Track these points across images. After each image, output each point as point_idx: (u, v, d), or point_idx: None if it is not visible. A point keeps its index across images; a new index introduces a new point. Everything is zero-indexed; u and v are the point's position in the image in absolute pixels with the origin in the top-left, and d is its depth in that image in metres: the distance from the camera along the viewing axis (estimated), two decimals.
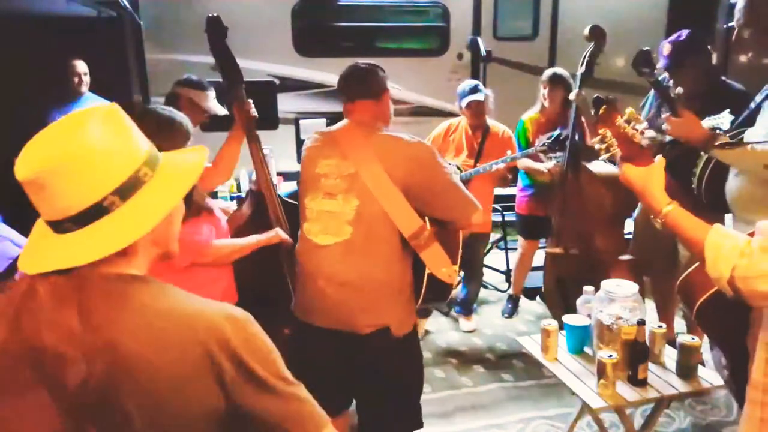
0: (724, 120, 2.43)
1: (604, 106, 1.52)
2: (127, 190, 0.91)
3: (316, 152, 2.12)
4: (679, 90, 2.89)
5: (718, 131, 2.37)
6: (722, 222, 3.33)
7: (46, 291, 0.88)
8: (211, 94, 2.96)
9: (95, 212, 0.89)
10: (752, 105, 2.43)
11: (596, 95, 1.56)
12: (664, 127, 2.50)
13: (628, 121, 1.51)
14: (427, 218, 2.06)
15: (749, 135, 2.29)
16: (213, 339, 0.91)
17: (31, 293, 0.88)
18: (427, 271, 2.06)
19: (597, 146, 1.56)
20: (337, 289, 2.00)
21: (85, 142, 0.88)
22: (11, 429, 0.88)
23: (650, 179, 1.47)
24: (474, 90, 3.69)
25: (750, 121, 2.38)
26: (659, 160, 1.51)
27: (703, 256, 1.33)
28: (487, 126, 3.79)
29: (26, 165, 0.88)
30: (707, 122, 2.47)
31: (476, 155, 3.77)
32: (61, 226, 0.90)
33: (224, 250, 2.09)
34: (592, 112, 1.56)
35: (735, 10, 2.29)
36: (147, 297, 0.92)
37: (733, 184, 2.38)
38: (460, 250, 2.18)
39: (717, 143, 2.28)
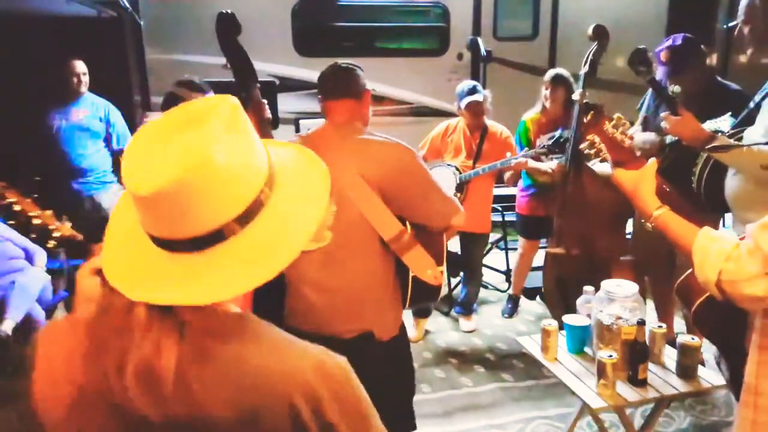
0: (724, 123, 2.43)
1: (591, 112, 1.54)
2: (248, 216, 0.82)
3: None
4: (677, 88, 2.89)
5: (719, 134, 2.37)
6: (721, 222, 3.34)
7: (147, 324, 0.78)
8: (211, 95, 2.94)
9: (214, 238, 0.80)
10: (751, 104, 2.43)
11: (585, 101, 1.57)
12: (663, 125, 2.50)
13: (615, 127, 1.54)
14: (408, 221, 2.03)
15: (749, 134, 2.30)
16: (300, 394, 0.82)
17: (129, 321, 0.79)
18: (411, 274, 2.02)
19: (586, 151, 1.57)
20: (319, 294, 1.99)
21: (215, 157, 0.78)
22: None
23: (641, 182, 1.49)
24: (472, 91, 3.69)
25: (749, 120, 2.38)
26: (651, 163, 1.53)
27: (692, 259, 1.35)
28: (486, 126, 3.80)
29: (147, 181, 0.77)
30: (708, 125, 2.47)
31: (475, 156, 3.78)
32: (171, 245, 0.81)
33: None
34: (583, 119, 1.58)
35: (739, 7, 2.29)
36: (245, 351, 0.83)
37: (731, 183, 2.38)
38: (446, 251, 2.14)
39: (714, 144, 2.28)
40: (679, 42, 2.94)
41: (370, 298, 2.00)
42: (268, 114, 2.43)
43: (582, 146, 1.58)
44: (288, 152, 0.96)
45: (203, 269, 0.80)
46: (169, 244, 0.81)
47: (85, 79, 4.14)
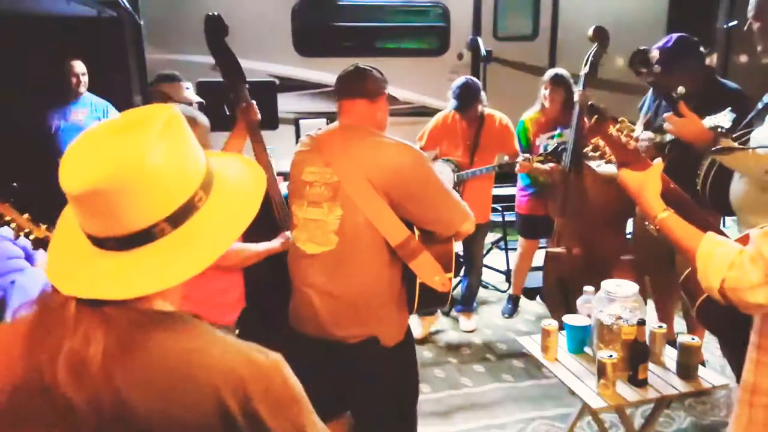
0: (724, 118, 2.42)
1: (595, 116, 1.53)
2: (179, 217, 0.84)
3: (302, 158, 2.07)
4: (681, 89, 2.88)
5: (719, 130, 2.35)
6: (721, 222, 3.33)
7: (77, 319, 0.81)
8: (185, 84, 2.96)
9: (143, 237, 0.83)
10: (760, 105, 2.41)
11: (590, 103, 1.57)
12: (666, 126, 2.49)
13: (620, 130, 1.53)
14: (415, 227, 2.00)
15: (757, 135, 2.28)
16: (229, 389, 0.83)
17: (62, 317, 0.82)
18: (418, 281, 1.99)
19: (590, 154, 1.57)
20: (324, 299, 1.96)
21: (147, 159, 0.80)
22: None
23: (646, 184, 1.48)
24: (459, 96, 3.63)
25: (759, 121, 2.36)
26: (656, 164, 1.52)
27: (695, 265, 1.34)
28: (482, 116, 3.75)
29: (80, 178, 0.80)
30: (707, 121, 2.46)
31: (472, 148, 3.76)
32: (102, 242, 0.84)
33: (243, 254, 2.07)
34: (587, 120, 1.58)
35: (749, 4, 2.28)
36: (170, 341, 0.85)
37: (737, 187, 2.37)
38: (454, 257, 2.11)
39: (719, 146, 2.25)
40: (670, 43, 2.94)
41: (375, 305, 1.97)
42: (258, 115, 2.42)
43: (586, 149, 1.58)
44: (231, 161, 1.00)
45: (129, 266, 0.83)
46: (100, 242, 0.84)
47: (85, 79, 4.14)
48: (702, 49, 3.03)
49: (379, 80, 2.07)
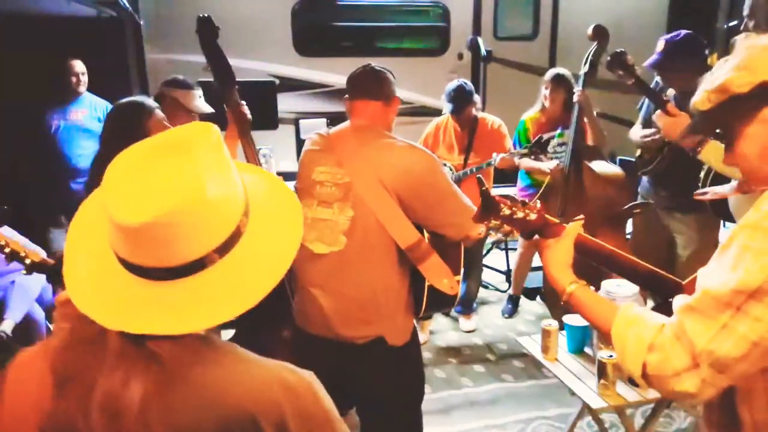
0: None
1: (482, 200, 1.39)
2: (228, 246, 0.82)
3: (312, 157, 2.05)
4: (670, 91, 2.88)
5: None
6: (721, 226, 3.32)
7: (119, 355, 0.77)
8: (197, 93, 2.93)
9: (193, 268, 0.80)
10: None
11: (482, 189, 1.41)
12: (656, 121, 2.46)
13: (512, 208, 1.38)
14: (425, 229, 1.99)
15: None
16: (265, 416, 0.81)
17: (100, 352, 0.78)
18: (427, 283, 1.99)
19: (492, 233, 1.47)
20: (331, 299, 1.96)
21: (207, 190, 0.78)
22: None
23: (553, 254, 1.34)
24: (454, 98, 3.63)
25: None
26: (571, 227, 1.38)
27: (609, 339, 1.18)
28: (476, 120, 3.76)
29: (139, 211, 0.76)
30: None
31: (466, 151, 3.75)
32: (147, 272, 0.80)
33: None
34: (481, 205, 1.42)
35: (744, 3, 2.28)
36: (207, 372, 0.82)
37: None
38: (462, 260, 2.10)
39: (706, 148, 2.19)
40: (679, 37, 2.92)
41: (383, 305, 1.96)
42: (249, 116, 2.43)
43: (494, 236, 1.50)
44: (254, 178, 0.96)
45: (180, 299, 0.80)
46: (145, 271, 0.80)
47: (84, 78, 4.14)
48: (706, 51, 3.02)
49: (392, 83, 2.08)
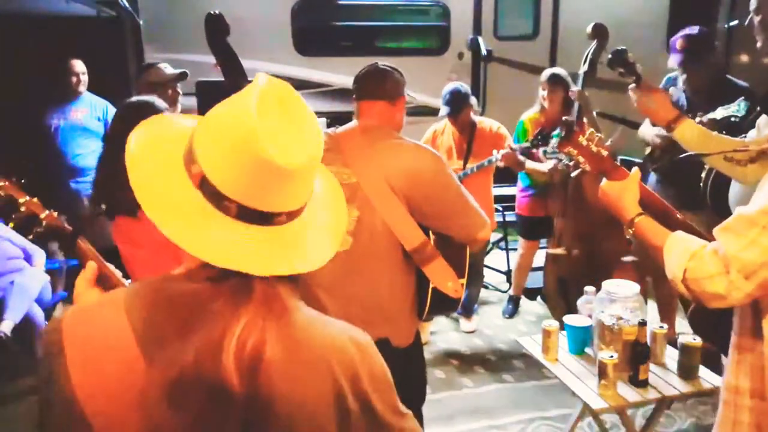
0: (738, 108, 2.37)
1: (564, 128, 1.54)
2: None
3: None
4: (674, 92, 2.86)
5: (733, 119, 2.32)
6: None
7: (257, 301, 0.80)
8: (161, 65, 3.03)
9: (296, 213, 0.85)
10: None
11: (564, 118, 1.60)
12: (631, 96, 2.38)
13: (590, 140, 1.54)
14: (431, 231, 1.98)
15: (762, 122, 2.22)
16: (341, 368, 0.84)
17: (244, 297, 0.79)
18: (431, 286, 1.98)
19: (565, 162, 1.58)
20: (335, 300, 1.94)
21: (320, 142, 0.86)
22: None
23: (625, 191, 1.52)
24: (450, 101, 3.61)
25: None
26: (634, 172, 1.53)
27: (663, 259, 1.37)
28: (474, 124, 3.75)
29: (299, 152, 0.81)
30: (720, 112, 2.42)
31: (465, 155, 3.74)
32: (268, 217, 0.81)
33: None
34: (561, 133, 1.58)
35: None
36: (297, 316, 0.85)
37: (736, 190, 2.35)
38: (467, 264, 2.09)
39: (681, 125, 2.07)
40: (696, 30, 2.91)
41: (387, 307, 1.96)
42: None
43: (562, 159, 1.60)
44: None
45: (295, 241, 0.85)
46: (266, 217, 0.81)
47: (84, 78, 4.14)
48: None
49: (400, 82, 2.05)
